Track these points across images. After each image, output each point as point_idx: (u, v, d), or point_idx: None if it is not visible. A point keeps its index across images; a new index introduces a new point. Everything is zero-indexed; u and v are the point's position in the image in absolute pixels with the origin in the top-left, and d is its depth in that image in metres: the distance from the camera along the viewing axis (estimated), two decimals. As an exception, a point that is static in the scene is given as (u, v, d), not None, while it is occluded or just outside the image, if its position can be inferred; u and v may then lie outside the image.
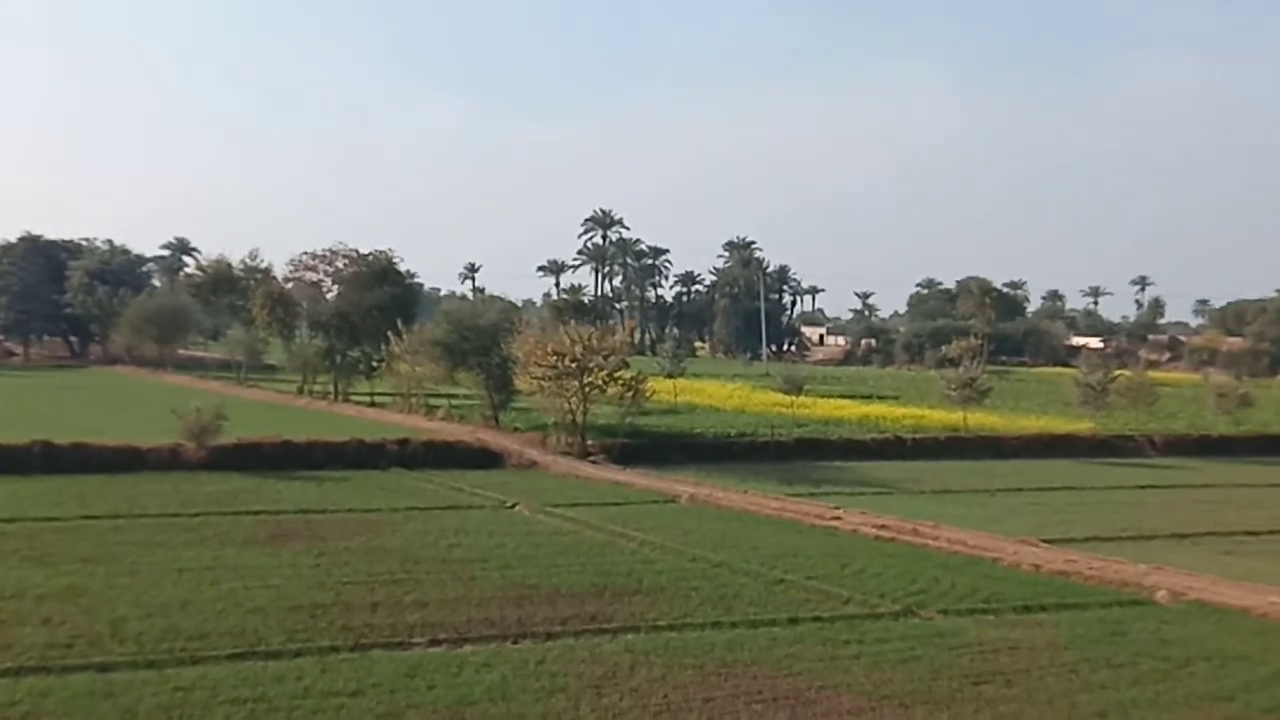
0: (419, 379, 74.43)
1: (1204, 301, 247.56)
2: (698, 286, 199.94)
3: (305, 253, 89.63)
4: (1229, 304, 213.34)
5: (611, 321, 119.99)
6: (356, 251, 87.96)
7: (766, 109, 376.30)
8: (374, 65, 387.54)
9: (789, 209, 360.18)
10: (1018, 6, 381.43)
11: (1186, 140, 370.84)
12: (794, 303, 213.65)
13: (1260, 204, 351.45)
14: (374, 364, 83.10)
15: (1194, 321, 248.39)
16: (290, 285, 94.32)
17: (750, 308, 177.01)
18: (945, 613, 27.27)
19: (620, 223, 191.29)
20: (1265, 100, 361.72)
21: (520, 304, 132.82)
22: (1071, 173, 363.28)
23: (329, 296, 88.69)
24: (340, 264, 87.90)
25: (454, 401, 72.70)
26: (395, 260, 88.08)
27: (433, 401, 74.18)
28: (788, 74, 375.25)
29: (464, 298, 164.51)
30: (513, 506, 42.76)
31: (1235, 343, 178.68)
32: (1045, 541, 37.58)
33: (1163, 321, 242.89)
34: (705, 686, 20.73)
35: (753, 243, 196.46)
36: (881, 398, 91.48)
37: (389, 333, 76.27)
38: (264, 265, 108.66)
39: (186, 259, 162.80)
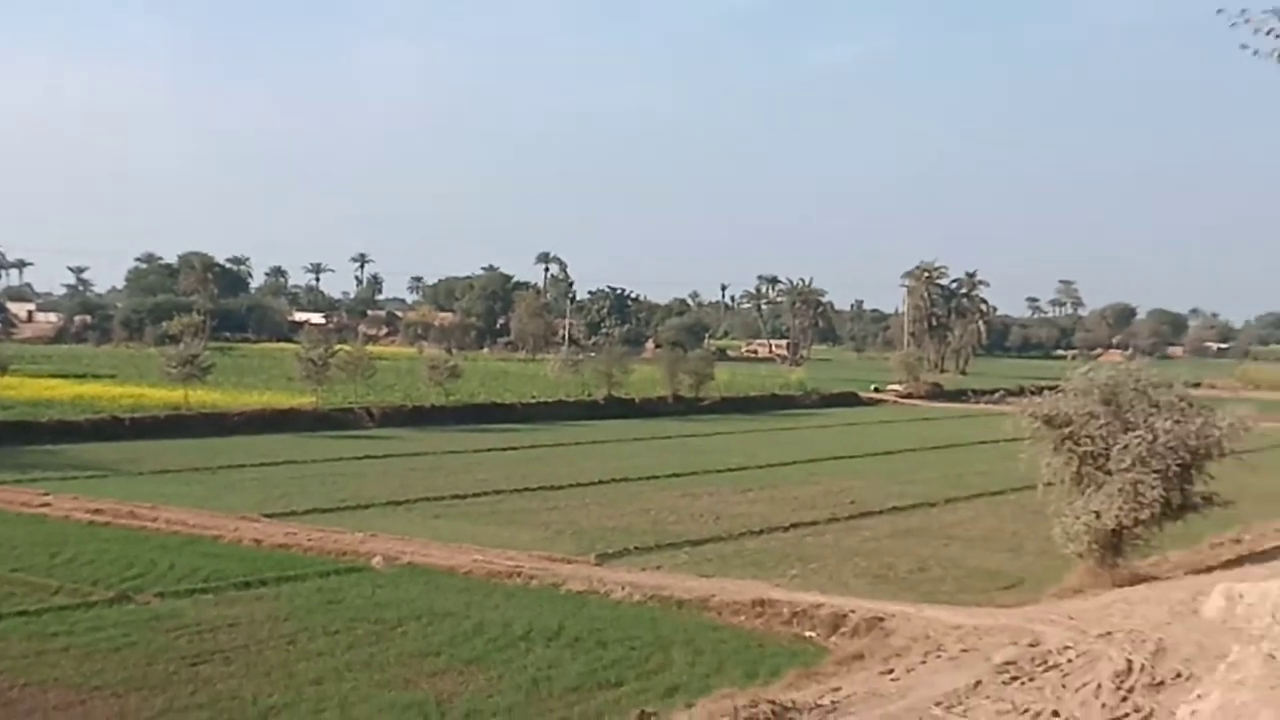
0: None
1: (418, 278, 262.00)
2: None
3: None
4: (440, 281, 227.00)
5: None
6: None
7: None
8: None
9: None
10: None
11: (402, 120, 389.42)
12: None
13: (472, 186, 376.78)
14: None
15: (410, 297, 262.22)
16: None
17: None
18: (163, 595, 26.54)
19: None
20: (479, 86, 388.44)
21: None
22: (292, 147, 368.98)
23: None
24: None
25: None
26: None
27: None
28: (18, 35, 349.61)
29: None
30: None
31: (446, 317, 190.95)
32: (267, 516, 37.75)
33: (381, 297, 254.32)
34: (-113, 700, 18.72)
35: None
36: (97, 376, 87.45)
37: None
38: None
39: None
